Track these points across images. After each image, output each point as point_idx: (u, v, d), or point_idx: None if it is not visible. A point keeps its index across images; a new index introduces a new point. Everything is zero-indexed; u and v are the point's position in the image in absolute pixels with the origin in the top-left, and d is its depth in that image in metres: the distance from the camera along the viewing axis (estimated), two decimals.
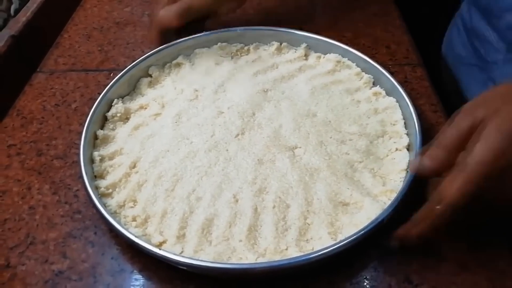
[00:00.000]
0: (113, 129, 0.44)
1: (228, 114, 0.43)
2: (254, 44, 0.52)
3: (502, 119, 0.30)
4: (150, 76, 0.49)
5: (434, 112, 0.46)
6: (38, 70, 0.54)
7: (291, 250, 0.34)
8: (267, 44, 0.52)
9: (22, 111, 0.48)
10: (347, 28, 0.57)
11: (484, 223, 0.34)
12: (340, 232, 0.35)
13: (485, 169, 0.29)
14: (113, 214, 0.36)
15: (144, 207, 0.37)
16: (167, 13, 0.47)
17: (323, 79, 0.48)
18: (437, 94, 0.48)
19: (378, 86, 0.47)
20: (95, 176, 0.39)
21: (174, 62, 0.50)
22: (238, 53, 0.51)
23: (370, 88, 0.47)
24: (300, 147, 0.40)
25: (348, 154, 0.40)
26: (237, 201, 0.37)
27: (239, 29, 0.52)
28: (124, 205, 0.37)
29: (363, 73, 0.48)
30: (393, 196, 0.36)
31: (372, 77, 0.47)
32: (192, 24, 0.50)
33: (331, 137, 0.41)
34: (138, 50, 0.56)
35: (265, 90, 0.46)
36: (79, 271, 0.35)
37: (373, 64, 0.47)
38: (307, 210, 0.36)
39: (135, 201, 0.38)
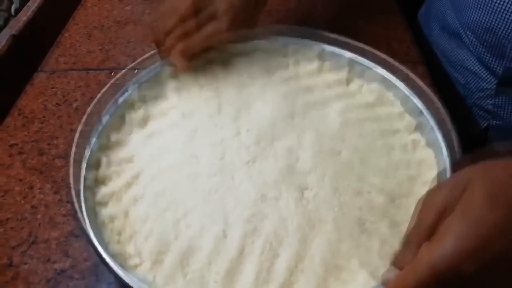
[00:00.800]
0: (129, 134, 0.41)
1: (245, 137, 0.39)
2: (294, 58, 0.47)
3: (466, 208, 0.26)
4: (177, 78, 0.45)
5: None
6: (39, 69, 0.54)
7: None
8: (310, 61, 0.46)
9: (24, 110, 0.49)
10: (347, 26, 0.57)
11: None
12: None
13: (437, 274, 0.25)
14: (101, 224, 0.34)
15: (133, 224, 0.35)
16: (179, 59, 0.43)
17: (360, 112, 0.42)
18: (438, 92, 0.48)
19: (419, 133, 0.40)
20: (97, 181, 0.37)
21: (209, 73, 0.46)
22: (277, 67, 0.46)
23: (410, 134, 0.40)
24: (311, 189, 0.36)
25: (361, 210, 0.34)
26: (225, 237, 0.33)
27: (280, 40, 0.47)
28: (114, 218, 0.35)
29: (406, 114, 0.41)
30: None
31: (415, 120, 0.40)
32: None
33: (348, 185, 0.36)
34: (139, 49, 0.56)
35: (292, 115, 0.41)
36: (81, 270, 0.35)
37: (416, 105, 0.40)
38: (296, 266, 0.32)
39: (126, 214, 0.35)
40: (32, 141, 0.45)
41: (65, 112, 0.48)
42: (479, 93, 0.50)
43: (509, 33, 0.43)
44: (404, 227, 0.32)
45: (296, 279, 0.31)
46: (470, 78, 0.51)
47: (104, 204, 0.35)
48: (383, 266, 0.31)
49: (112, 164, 0.38)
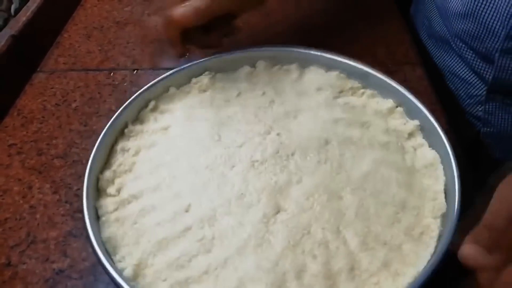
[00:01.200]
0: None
1: (271, 138, 0.39)
2: (373, 90, 0.44)
3: None
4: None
5: (433, 111, 0.46)
6: (38, 69, 0.54)
7: None
8: (385, 99, 0.43)
9: (23, 110, 0.49)
10: (347, 27, 0.57)
11: None
12: None
13: None
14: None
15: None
16: (183, 12, 0.41)
17: (395, 172, 0.37)
18: (436, 93, 0.48)
19: (439, 219, 0.34)
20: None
21: (285, 67, 0.46)
22: (350, 91, 0.44)
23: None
24: (285, 212, 0.34)
25: (314, 259, 0.32)
26: (187, 211, 0.35)
27: (366, 69, 0.44)
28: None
29: (443, 196, 0.35)
30: None
31: (446, 207, 0.34)
32: (217, 23, 0.45)
33: (322, 229, 0.33)
34: (138, 49, 0.56)
35: (328, 141, 0.39)
36: (80, 270, 0.35)
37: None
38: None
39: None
40: (31, 141, 0.45)
41: (64, 113, 0.48)
42: (469, 100, 0.50)
43: (496, 43, 0.43)
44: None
45: None
46: (459, 85, 0.51)
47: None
48: None
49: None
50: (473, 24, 0.45)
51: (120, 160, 0.39)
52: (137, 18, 0.61)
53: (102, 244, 0.33)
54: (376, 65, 0.50)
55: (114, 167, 0.38)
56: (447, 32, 0.50)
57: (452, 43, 0.50)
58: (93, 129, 0.46)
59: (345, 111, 0.42)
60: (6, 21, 0.57)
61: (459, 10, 0.46)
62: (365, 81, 0.45)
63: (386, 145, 0.39)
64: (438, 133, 0.38)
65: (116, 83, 0.51)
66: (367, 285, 0.30)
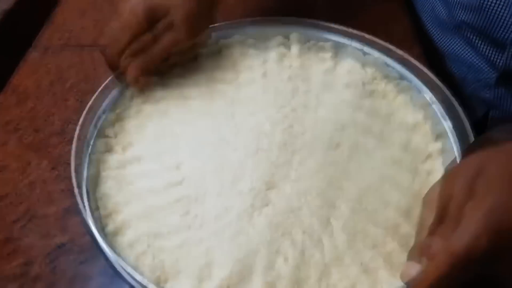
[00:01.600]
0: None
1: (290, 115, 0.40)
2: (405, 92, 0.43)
3: (486, 209, 0.26)
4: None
5: None
6: (32, 46, 0.53)
7: None
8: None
9: (18, 88, 0.48)
10: (347, 7, 0.57)
11: None
12: None
13: (461, 260, 0.25)
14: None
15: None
16: (134, 75, 0.41)
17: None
18: (433, 72, 0.49)
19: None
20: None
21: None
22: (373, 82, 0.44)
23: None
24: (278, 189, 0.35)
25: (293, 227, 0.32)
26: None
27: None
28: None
29: None
30: None
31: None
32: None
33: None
34: None
35: (343, 127, 0.39)
36: (80, 244, 0.35)
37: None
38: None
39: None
40: (27, 119, 0.45)
41: (60, 90, 0.48)
42: (476, 83, 0.50)
43: (507, 33, 0.42)
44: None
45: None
46: (466, 70, 0.50)
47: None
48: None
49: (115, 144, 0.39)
50: (480, 15, 0.44)
51: (126, 104, 0.41)
52: None
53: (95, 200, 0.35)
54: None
55: (118, 110, 0.40)
56: (452, 20, 0.50)
57: (457, 30, 0.49)
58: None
59: (368, 116, 0.40)
60: None
61: (464, 1, 0.45)
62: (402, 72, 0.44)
63: (399, 163, 0.37)
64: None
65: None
66: None
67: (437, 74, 0.49)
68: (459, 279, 0.26)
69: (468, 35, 0.48)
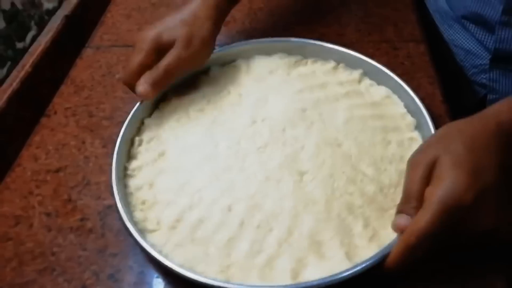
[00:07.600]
0: (160, 118, 0.48)
1: (260, 126, 0.44)
2: (313, 58, 0.51)
3: (453, 156, 0.33)
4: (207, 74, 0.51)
5: (430, 84, 0.52)
6: (86, 45, 0.62)
7: (253, 275, 0.34)
8: (326, 60, 0.51)
9: (75, 80, 0.57)
10: (357, 8, 0.62)
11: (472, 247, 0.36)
12: (301, 272, 0.35)
13: (446, 207, 0.31)
14: (130, 194, 0.41)
15: (156, 193, 0.41)
16: (143, 88, 0.45)
17: (365, 110, 0.46)
18: (435, 68, 0.53)
19: (417, 131, 0.44)
20: (130, 157, 0.45)
21: (232, 64, 0.51)
22: (296, 64, 0.51)
23: (409, 132, 0.44)
24: (310, 174, 0.40)
25: (352, 195, 0.38)
26: (230, 210, 0.38)
27: (302, 40, 0.51)
28: (141, 188, 0.41)
29: (409, 115, 0.45)
30: (371, 254, 0.34)
31: (415, 121, 0.44)
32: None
33: (343, 172, 0.40)
34: None
35: (304, 109, 0.45)
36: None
37: (419, 107, 0.44)
38: (285, 240, 0.36)
39: (152, 185, 0.42)
40: (83, 105, 0.54)
41: (109, 82, 0.56)
42: (474, 69, 0.55)
43: (495, 16, 0.47)
44: (387, 214, 0.37)
45: (283, 251, 0.36)
46: (464, 56, 0.55)
47: (133, 176, 0.43)
48: (361, 246, 0.35)
49: (142, 143, 0.45)
50: (473, 2, 0.49)
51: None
52: (169, 0, 0.68)
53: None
54: (383, 42, 0.56)
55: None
56: (450, 7, 0.55)
57: (455, 16, 0.54)
58: (133, 97, 0.54)
59: (302, 81, 0.49)
60: (60, 3, 0.65)
61: None
62: (303, 53, 0.52)
63: (347, 94, 0.48)
64: (383, 72, 0.48)
65: None
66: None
67: (444, 66, 0.54)
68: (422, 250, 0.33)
69: (464, 23, 0.53)
